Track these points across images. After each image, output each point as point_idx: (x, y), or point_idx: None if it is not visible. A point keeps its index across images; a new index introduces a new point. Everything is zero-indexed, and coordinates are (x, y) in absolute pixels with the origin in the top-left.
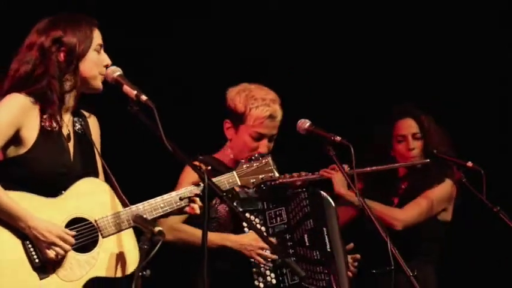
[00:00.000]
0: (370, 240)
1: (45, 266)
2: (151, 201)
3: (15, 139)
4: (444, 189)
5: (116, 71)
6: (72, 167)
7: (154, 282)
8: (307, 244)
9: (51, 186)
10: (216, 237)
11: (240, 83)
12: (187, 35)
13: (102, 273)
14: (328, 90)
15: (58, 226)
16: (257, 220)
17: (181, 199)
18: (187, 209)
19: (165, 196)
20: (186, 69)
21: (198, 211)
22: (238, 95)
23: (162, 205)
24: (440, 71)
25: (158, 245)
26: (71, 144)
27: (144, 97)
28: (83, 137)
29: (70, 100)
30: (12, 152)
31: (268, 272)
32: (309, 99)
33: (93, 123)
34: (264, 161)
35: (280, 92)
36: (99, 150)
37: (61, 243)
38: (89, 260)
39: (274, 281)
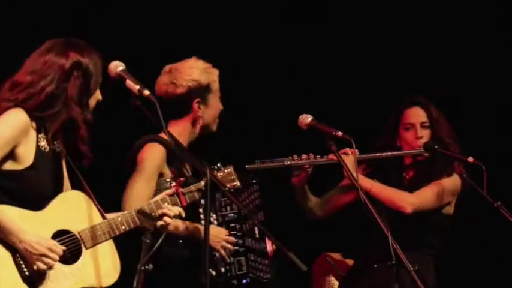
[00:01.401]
0: (371, 234)
1: (34, 279)
2: (126, 213)
3: (10, 154)
4: (453, 181)
5: (119, 66)
6: (56, 187)
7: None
8: (257, 236)
9: (35, 203)
10: (188, 226)
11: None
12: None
13: (87, 283)
14: (329, 86)
15: (46, 238)
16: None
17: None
18: (159, 222)
19: (144, 206)
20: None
21: (169, 221)
22: (193, 73)
23: (137, 215)
24: (440, 67)
25: (161, 240)
26: (54, 164)
27: (146, 92)
28: (59, 153)
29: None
30: (7, 165)
31: (219, 261)
32: (310, 95)
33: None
34: (226, 171)
35: (281, 88)
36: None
37: (51, 254)
38: (74, 272)
39: (223, 270)
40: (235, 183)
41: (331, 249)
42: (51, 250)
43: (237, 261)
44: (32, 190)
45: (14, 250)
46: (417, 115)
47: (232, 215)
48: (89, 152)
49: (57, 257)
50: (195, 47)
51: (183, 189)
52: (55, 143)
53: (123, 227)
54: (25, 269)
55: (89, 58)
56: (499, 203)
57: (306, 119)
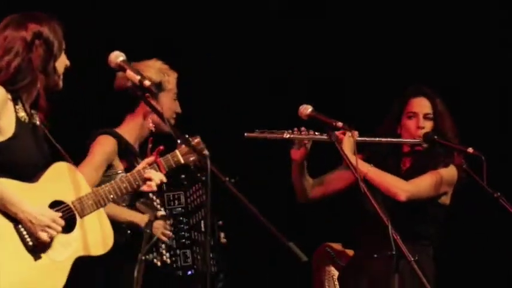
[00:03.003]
0: (371, 224)
1: (37, 249)
2: (113, 182)
3: None
4: (450, 172)
5: (120, 56)
6: (43, 157)
7: None
8: (203, 230)
9: (24, 174)
10: (128, 213)
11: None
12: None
13: (84, 252)
14: (329, 86)
15: (49, 209)
16: (158, 201)
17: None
18: (144, 187)
19: (128, 175)
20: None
21: (155, 188)
22: (147, 70)
23: (124, 186)
24: (440, 57)
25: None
26: (35, 134)
27: (147, 82)
28: (39, 127)
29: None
30: None
31: (164, 252)
32: (309, 94)
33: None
34: (195, 140)
35: (281, 79)
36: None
37: (54, 225)
38: (70, 241)
39: (168, 261)
40: (204, 152)
41: (331, 239)
42: (54, 221)
43: (182, 253)
44: (18, 160)
45: (15, 221)
46: (422, 105)
47: (179, 209)
48: (44, 119)
49: (60, 228)
50: (195, 46)
51: (161, 158)
52: (34, 115)
53: (111, 196)
54: (28, 239)
55: (47, 26)
56: (499, 193)
57: (306, 109)
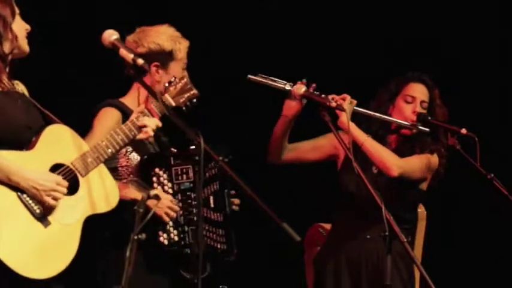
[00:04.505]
0: (353, 205)
1: (45, 215)
2: (108, 136)
3: None
4: (434, 159)
5: (113, 35)
6: (34, 121)
7: None
8: (212, 206)
9: (17, 141)
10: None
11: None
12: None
13: (94, 209)
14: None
15: (51, 173)
16: (165, 175)
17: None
18: (141, 135)
19: (122, 126)
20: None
21: (151, 133)
22: (158, 37)
23: (120, 138)
24: (437, 41)
25: (153, 210)
26: (19, 100)
27: (140, 61)
28: (24, 96)
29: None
30: None
31: (171, 229)
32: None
33: (22, 87)
34: (182, 81)
35: (279, 64)
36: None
37: (59, 187)
38: (78, 202)
39: (176, 238)
40: (193, 90)
41: (323, 220)
42: (58, 184)
43: (191, 230)
44: (8, 127)
45: (18, 190)
46: (421, 92)
47: (187, 183)
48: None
49: (65, 190)
50: (195, 46)
51: (152, 105)
52: (15, 85)
53: (109, 150)
54: (35, 207)
55: None
56: (492, 174)
57: (300, 89)
